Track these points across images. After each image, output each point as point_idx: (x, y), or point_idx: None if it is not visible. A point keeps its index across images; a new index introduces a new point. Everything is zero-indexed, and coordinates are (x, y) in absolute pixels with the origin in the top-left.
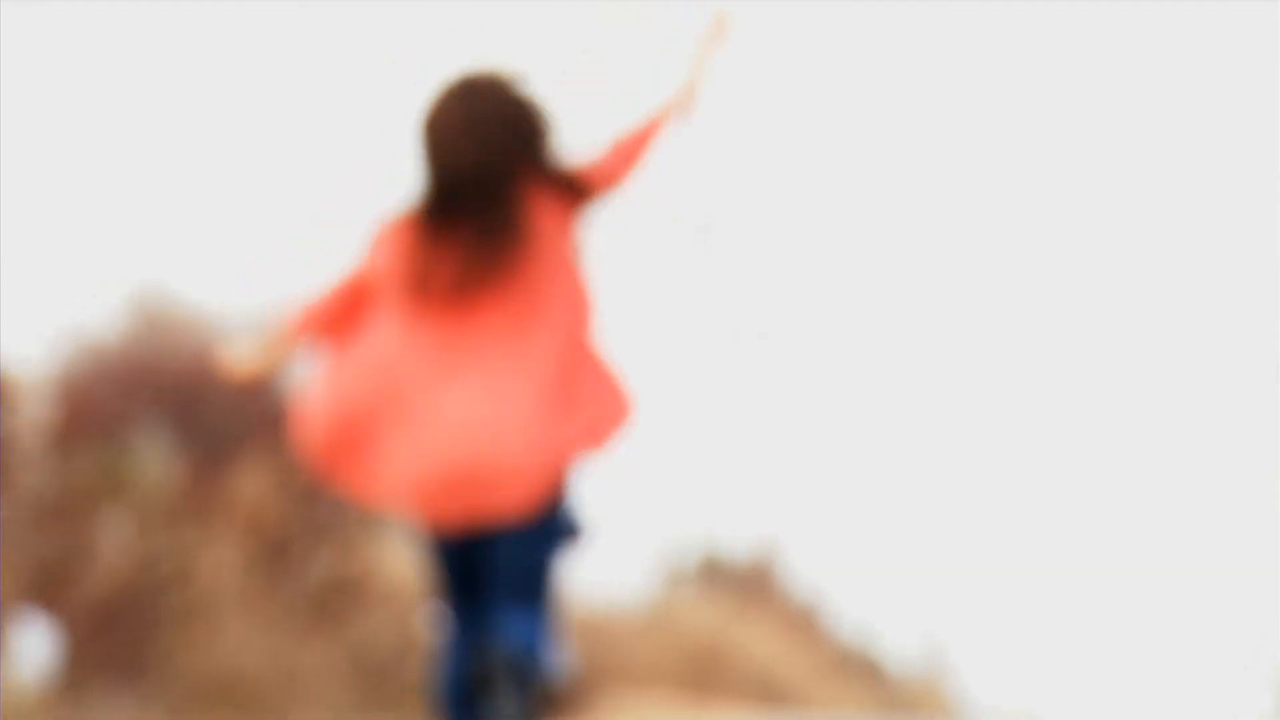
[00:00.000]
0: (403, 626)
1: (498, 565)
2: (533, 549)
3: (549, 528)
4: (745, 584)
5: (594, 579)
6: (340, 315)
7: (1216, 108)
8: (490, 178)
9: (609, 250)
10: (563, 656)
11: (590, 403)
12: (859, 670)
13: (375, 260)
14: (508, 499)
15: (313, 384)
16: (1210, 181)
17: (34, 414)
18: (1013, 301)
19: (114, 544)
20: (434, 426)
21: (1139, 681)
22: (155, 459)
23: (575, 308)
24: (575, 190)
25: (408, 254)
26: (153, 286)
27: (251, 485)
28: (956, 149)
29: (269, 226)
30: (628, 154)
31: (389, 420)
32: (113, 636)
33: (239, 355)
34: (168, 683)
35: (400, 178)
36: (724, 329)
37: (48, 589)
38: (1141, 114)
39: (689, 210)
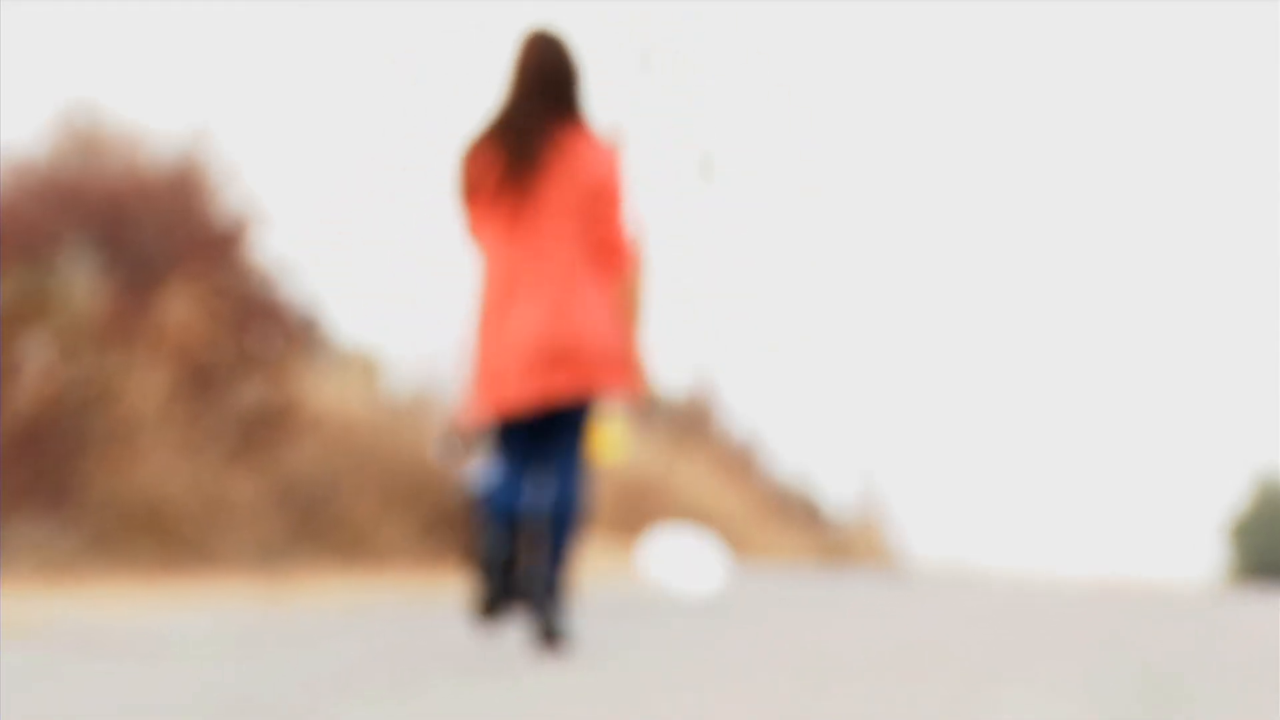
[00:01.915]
0: (331, 458)
1: (561, 434)
2: (580, 426)
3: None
4: (682, 423)
5: None
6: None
7: (1217, 106)
8: (536, 117)
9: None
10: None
11: (611, 347)
12: (795, 513)
13: (462, 190)
14: (583, 380)
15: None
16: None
17: None
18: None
19: (37, 367)
20: (521, 342)
21: (1081, 533)
22: (81, 281)
23: (595, 247)
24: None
25: (478, 169)
26: (81, 105)
27: (179, 310)
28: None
29: (201, 47)
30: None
31: (496, 354)
32: (35, 462)
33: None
34: (90, 509)
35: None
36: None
37: None
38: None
39: (694, 146)
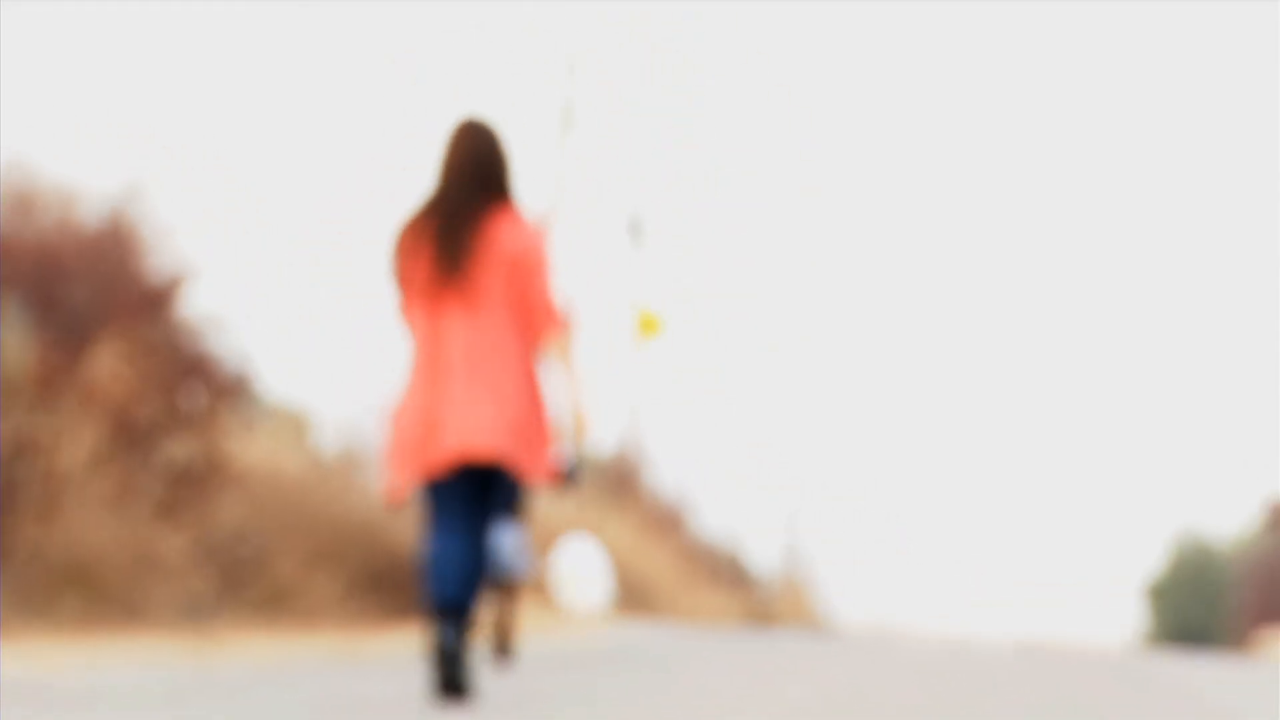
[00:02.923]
0: (258, 514)
1: (492, 499)
2: (511, 489)
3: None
4: (610, 482)
5: None
6: None
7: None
8: (463, 203)
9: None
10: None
11: (531, 427)
12: (722, 574)
13: (395, 268)
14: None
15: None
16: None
17: None
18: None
19: None
20: (440, 426)
21: (1003, 596)
22: (12, 337)
23: (524, 320)
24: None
25: (407, 261)
26: (14, 161)
27: (109, 366)
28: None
29: (134, 106)
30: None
31: (418, 429)
32: None
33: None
34: (18, 565)
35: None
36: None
37: None
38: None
39: (622, 210)
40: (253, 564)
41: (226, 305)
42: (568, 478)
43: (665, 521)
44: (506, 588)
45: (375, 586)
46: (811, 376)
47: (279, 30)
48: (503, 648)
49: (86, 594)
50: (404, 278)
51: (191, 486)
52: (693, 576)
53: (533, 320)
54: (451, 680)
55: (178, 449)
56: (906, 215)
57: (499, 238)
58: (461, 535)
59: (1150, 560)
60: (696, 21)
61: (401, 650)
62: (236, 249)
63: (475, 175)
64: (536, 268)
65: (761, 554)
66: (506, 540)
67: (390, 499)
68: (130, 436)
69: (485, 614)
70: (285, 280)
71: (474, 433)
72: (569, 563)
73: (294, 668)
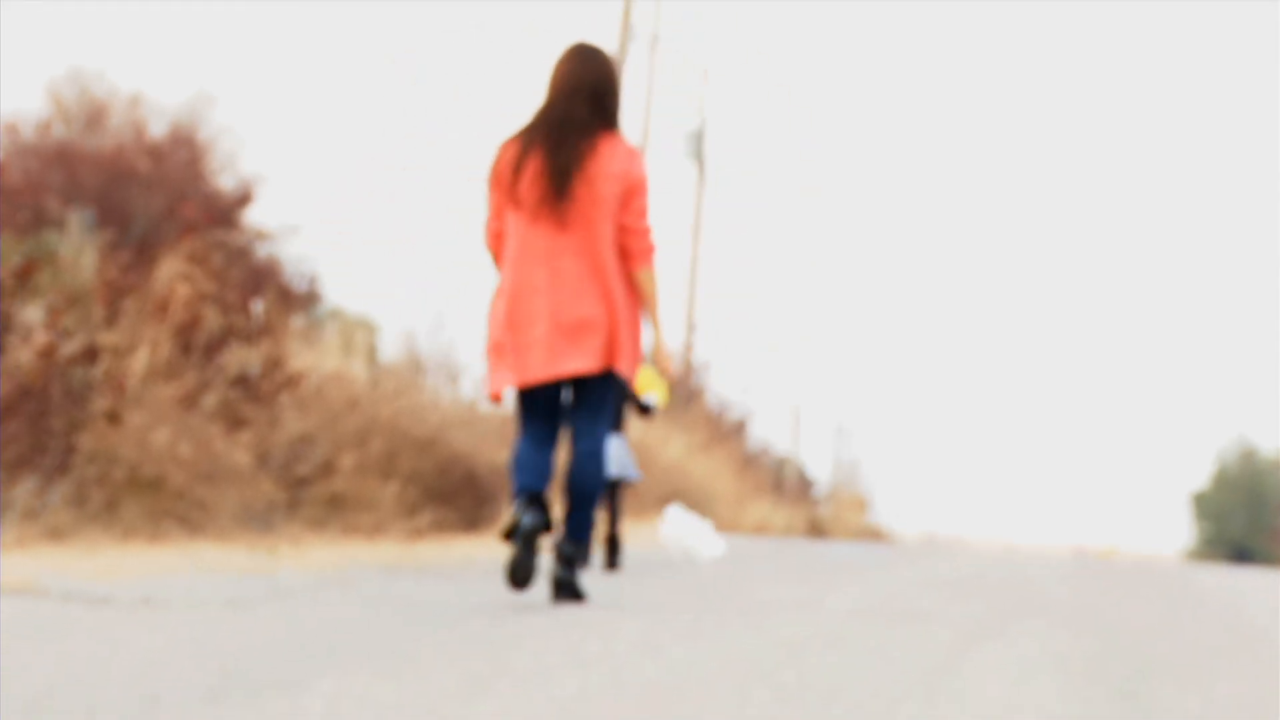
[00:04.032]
0: (323, 424)
1: (586, 405)
2: (605, 395)
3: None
4: (674, 399)
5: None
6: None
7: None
8: (571, 123)
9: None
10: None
11: (619, 332)
12: (780, 487)
13: (495, 178)
14: (603, 359)
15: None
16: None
17: None
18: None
19: (35, 331)
20: (547, 338)
21: (1052, 507)
22: (81, 246)
23: (621, 240)
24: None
25: (511, 173)
26: (81, 72)
27: (176, 277)
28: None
29: (201, 18)
30: (634, 253)
31: (522, 329)
32: (31, 426)
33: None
34: (84, 473)
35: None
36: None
37: None
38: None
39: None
40: (316, 473)
41: (293, 216)
42: (645, 406)
43: (724, 434)
44: (614, 498)
45: (436, 497)
46: (864, 296)
47: None
48: (612, 560)
49: (151, 501)
50: (507, 191)
51: (256, 396)
52: (753, 488)
53: (629, 242)
54: (521, 566)
55: (243, 358)
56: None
57: (604, 160)
58: (551, 437)
59: (1196, 474)
60: (697, 21)
61: (461, 559)
62: (303, 161)
63: (584, 98)
64: (637, 192)
65: (818, 466)
66: (614, 448)
67: (491, 396)
68: (196, 345)
69: (599, 526)
70: (350, 192)
71: (586, 348)
72: (677, 530)
73: (355, 574)
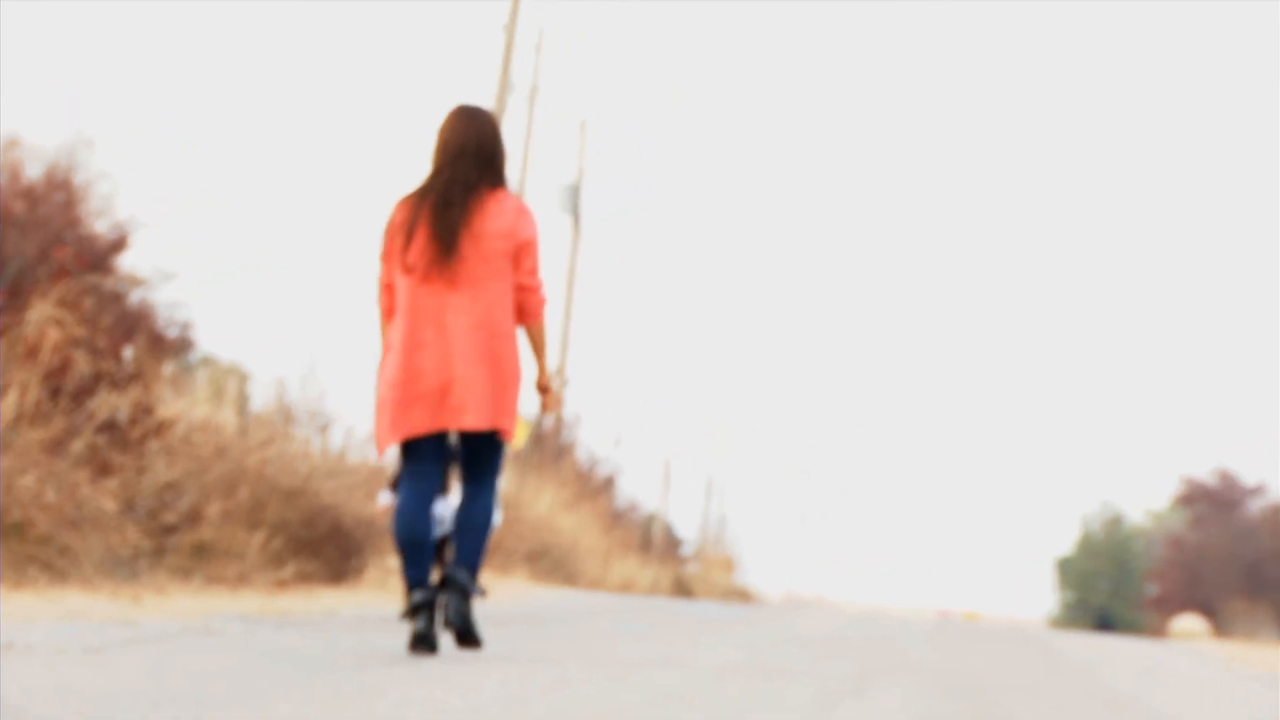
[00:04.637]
0: (191, 471)
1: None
2: (495, 450)
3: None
4: (540, 450)
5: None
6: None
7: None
8: (459, 185)
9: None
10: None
11: (505, 390)
12: (646, 544)
13: (388, 239)
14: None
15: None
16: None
17: None
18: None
19: None
20: (435, 394)
21: (919, 571)
22: None
23: (513, 297)
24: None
25: (403, 238)
26: None
27: (47, 322)
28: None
29: (82, 61)
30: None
31: (409, 385)
32: None
33: None
34: None
35: None
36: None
37: None
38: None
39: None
40: (182, 521)
41: (166, 262)
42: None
43: (593, 490)
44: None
45: (303, 548)
46: (737, 351)
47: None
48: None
49: (15, 547)
50: (397, 254)
51: (125, 442)
52: (620, 545)
53: (521, 298)
54: (425, 638)
55: (113, 404)
56: (828, 197)
57: (492, 218)
58: (433, 489)
59: (1060, 540)
60: (696, 21)
61: (324, 611)
62: (178, 207)
63: (470, 158)
64: (527, 250)
65: (687, 523)
66: (439, 508)
67: (378, 448)
68: (66, 390)
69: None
70: (223, 239)
71: (473, 405)
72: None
73: (218, 623)
